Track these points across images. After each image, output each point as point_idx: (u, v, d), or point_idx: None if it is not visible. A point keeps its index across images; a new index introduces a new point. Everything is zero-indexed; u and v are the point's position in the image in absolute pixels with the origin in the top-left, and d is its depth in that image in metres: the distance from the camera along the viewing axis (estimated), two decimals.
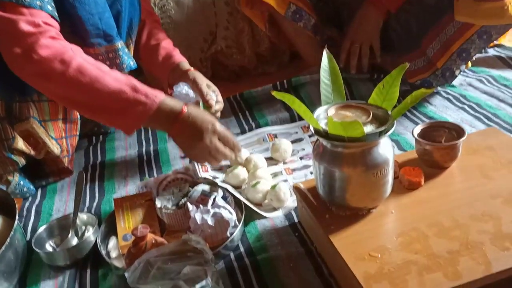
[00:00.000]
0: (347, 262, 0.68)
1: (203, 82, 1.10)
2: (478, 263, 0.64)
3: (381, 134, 0.71)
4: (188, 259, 0.70)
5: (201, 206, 0.83)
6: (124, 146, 1.24)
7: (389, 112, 0.74)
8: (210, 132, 0.88)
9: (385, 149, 0.73)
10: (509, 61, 1.37)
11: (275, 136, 1.16)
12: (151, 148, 1.21)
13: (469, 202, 0.76)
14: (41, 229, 0.90)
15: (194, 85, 1.10)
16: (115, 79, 0.86)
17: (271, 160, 1.08)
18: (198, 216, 0.81)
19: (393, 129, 0.72)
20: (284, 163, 1.07)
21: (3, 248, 0.77)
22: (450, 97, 1.22)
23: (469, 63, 1.22)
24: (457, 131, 0.84)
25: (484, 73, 1.33)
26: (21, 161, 1.02)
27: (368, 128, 0.72)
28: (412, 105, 0.71)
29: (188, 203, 0.84)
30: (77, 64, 0.85)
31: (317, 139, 0.77)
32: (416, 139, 0.84)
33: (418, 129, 0.86)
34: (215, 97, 1.09)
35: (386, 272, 0.65)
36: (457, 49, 1.14)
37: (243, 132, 1.21)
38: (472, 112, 1.14)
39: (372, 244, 0.70)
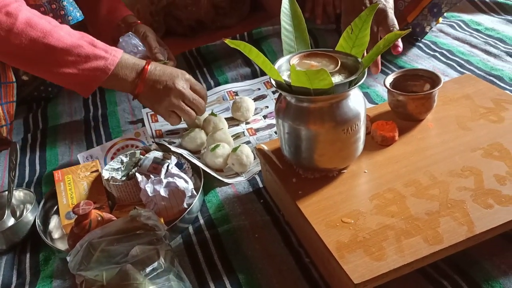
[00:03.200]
0: (317, 230, 0.60)
1: (152, 36, 1.00)
2: (460, 224, 0.58)
3: (351, 84, 0.63)
4: (137, 238, 0.62)
5: (152, 176, 0.73)
6: (69, 112, 1.11)
7: (360, 60, 0.65)
8: (181, 79, 0.84)
9: (356, 102, 0.65)
10: (480, 5, 1.30)
11: (236, 94, 1.06)
12: (99, 112, 1.08)
13: (447, 156, 0.69)
14: None
15: (143, 40, 1.01)
16: (69, 34, 0.80)
17: (232, 121, 0.98)
18: (149, 188, 0.71)
19: (363, 78, 0.64)
20: (247, 123, 0.97)
21: None
22: (421, 44, 1.15)
23: (440, 19, 1.14)
24: (432, 79, 0.77)
25: (455, 18, 1.25)
26: None
27: (336, 79, 0.63)
28: (385, 50, 0.62)
29: (137, 173, 0.74)
30: (25, 17, 0.77)
31: (280, 94, 0.67)
32: (388, 89, 0.76)
33: (390, 79, 0.78)
34: (165, 53, 0.99)
35: (361, 240, 0.58)
36: (428, 4, 1.05)
37: None
38: (444, 60, 1.07)
39: (344, 209, 0.63)
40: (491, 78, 0.98)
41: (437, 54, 1.10)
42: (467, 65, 1.04)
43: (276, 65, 0.66)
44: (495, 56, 1.06)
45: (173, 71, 0.85)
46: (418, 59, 1.09)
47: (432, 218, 0.60)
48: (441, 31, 1.19)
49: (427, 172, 0.67)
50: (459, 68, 1.03)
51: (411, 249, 0.56)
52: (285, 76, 0.65)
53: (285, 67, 0.67)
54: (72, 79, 0.81)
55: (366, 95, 0.99)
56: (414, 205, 0.62)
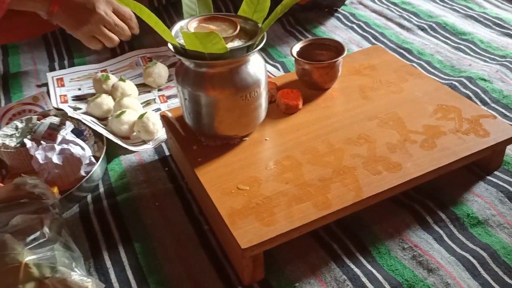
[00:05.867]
0: (212, 197, 0.60)
1: None
2: (349, 190, 0.60)
3: (249, 49, 0.61)
4: (21, 207, 0.58)
5: (43, 142, 0.69)
6: None
7: (259, 25, 0.64)
8: (102, 1, 0.79)
9: (256, 68, 0.64)
10: None
11: (150, 59, 1.02)
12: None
13: (347, 125, 0.71)
14: None
15: None
16: None
17: (144, 87, 0.94)
18: (39, 155, 0.68)
19: (262, 43, 0.63)
20: (159, 89, 0.94)
21: None
22: (340, 16, 1.16)
23: None
24: (337, 49, 0.77)
25: None
26: None
27: (235, 43, 0.62)
28: (281, 15, 0.61)
29: (26, 140, 0.70)
30: None
31: (179, 60, 0.65)
32: (295, 58, 0.76)
33: (297, 47, 0.78)
34: None
35: (254, 206, 0.59)
36: None
37: (114, 55, 1.04)
38: (360, 32, 1.09)
39: (241, 176, 0.63)
40: (401, 51, 1.01)
41: (354, 26, 1.11)
42: (381, 38, 1.07)
43: (174, 29, 0.64)
44: (407, 29, 1.09)
45: None
46: (336, 30, 1.10)
47: (324, 184, 0.61)
48: (361, 3, 1.21)
49: (326, 140, 0.68)
50: (373, 40, 1.06)
51: (300, 214, 0.57)
52: (182, 41, 0.62)
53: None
54: None
55: (282, 65, 0.99)
56: (309, 172, 0.63)
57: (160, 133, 0.82)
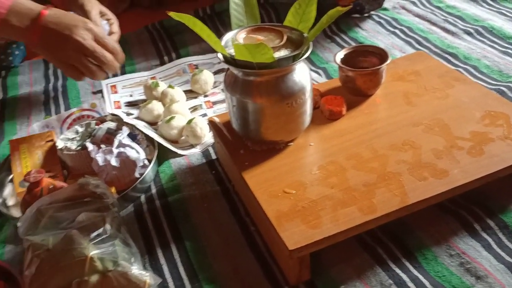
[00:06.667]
0: (259, 200, 0.63)
1: (93, 8, 0.89)
2: (394, 195, 0.61)
3: (295, 58, 0.64)
4: (85, 205, 0.63)
5: (103, 146, 0.74)
6: (28, 82, 1.10)
7: (305, 34, 0.66)
8: (82, 28, 0.74)
9: (301, 76, 0.67)
10: None
11: (196, 67, 1.07)
12: (59, 83, 1.08)
13: (391, 131, 0.72)
14: None
15: (82, 13, 0.88)
16: None
17: (191, 93, 0.99)
18: (100, 157, 0.73)
19: (308, 53, 0.65)
20: (205, 95, 0.98)
21: None
22: (382, 21, 1.16)
23: None
24: (380, 55, 0.78)
25: None
26: None
27: (282, 53, 0.64)
28: (327, 25, 0.64)
29: (88, 143, 0.75)
30: None
31: (228, 68, 0.68)
32: (338, 65, 0.78)
33: (341, 55, 0.79)
34: (107, 27, 0.90)
35: (300, 209, 0.61)
36: None
37: (162, 63, 1.10)
38: (403, 37, 1.09)
39: (287, 180, 0.65)
40: (446, 56, 1.01)
41: (397, 31, 1.12)
42: (425, 42, 1.06)
43: (224, 39, 0.67)
44: (453, 34, 1.08)
45: (73, 18, 0.75)
46: (378, 35, 1.11)
47: (368, 190, 0.62)
48: (403, 7, 1.21)
49: (369, 146, 0.69)
50: (416, 45, 1.06)
51: (346, 218, 0.59)
52: (231, 51, 0.66)
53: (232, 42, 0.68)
54: None
55: (324, 71, 1.01)
56: (354, 177, 0.65)
57: (207, 137, 0.86)
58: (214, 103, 0.96)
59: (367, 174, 0.65)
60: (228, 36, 0.68)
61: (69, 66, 0.76)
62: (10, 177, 0.80)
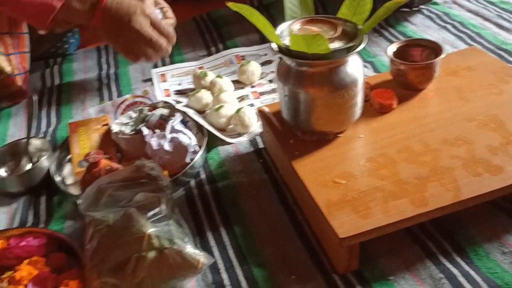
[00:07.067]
0: (309, 189, 0.64)
1: None
2: (447, 189, 0.61)
3: (349, 50, 0.64)
4: (141, 186, 0.66)
5: (157, 131, 0.77)
6: (83, 69, 1.15)
7: (359, 27, 0.66)
8: (139, 14, 0.77)
9: (354, 68, 0.67)
10: None
11: (243, 58, 1.08)
12: (111, 71, 1.12)
13: (443, 125, 0.71)
14: None
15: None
16: None
17: (238, 84, 1.00)
18: (154, 142, 0.75)
19: (363, 45, 0.65)
20: (252, 86, 1.00)
21: None
22: (433, 15, 1.14)
23: None
24: (434, 50, 0.77)
25: None
26: None
27: (335, 44, 0.65)
28: (384, 18, 0.64)
29: (143, 128, 0.78)
30: None
31: (281, 58, 0.69)
32: (390, 58, 0.78)
33: (393, 48, 0.79)
34: (160, 16, 0.91)
35: (350, 199, 0.61)
36: None
37: (209, 54, 1.12)
38: (455, 32, 1.07)
39: (337, 170, 0.66)
40: (500, 52, 0.98)
41: (448, 25, 1.09)
42: (478, 38, 1.04)
43: (278, 30, 0.68)
44: (507, 30, 1.05)
45: (132, 4, 0.77)
46: (428, 30, 1.09)
47: (420, 183, 0.62)
48: (455, 2, 1.18)
49: (421, 140, 0.69)
50: (468, 41, 1.03)
51: (397, 210, 0.59)
52: (286, 41, 0.67)
53: (287, 32, 0.69)
54: (24, 10, 0.77)
55: (372, 64, 1.00)
56: (405, 170, 0.65)
57: (255, 127, 0.87)
58: (261, 93, 0.97)
59: (419, 167, 0.64)
60: (282, 27, 0.69)
61: (126, 49, 0.80)
62: (69, 157, 0.84)
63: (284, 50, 0.66)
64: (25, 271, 0.60)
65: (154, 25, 0.79)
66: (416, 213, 0.58)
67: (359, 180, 0.64)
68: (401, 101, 0.76)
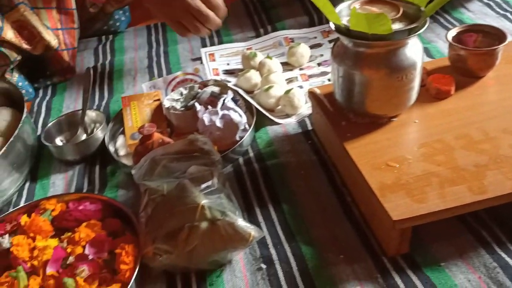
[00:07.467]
0: (362, 171, 0.63)
1: None
2: (507, 178, 0.59)
3: (410, 32, 0.63)
4: (194, 159, 0.67)
5: (209, 107, 0.78)
6: (134, 47, 1.17)
7: (422, 9, 0.64)
8: None
9: (414, 51, 0.65)
10: None
11: (292, 40, 1.08)
12: (161, 49, 1.14)
13: (503, 114, 0.69)
14: (50, 124, 0.88)
15: None
16: None
17: (286, 66, 1.00)
18: (206, 117, 0.77)
19: (425, 27, 0.63)
20: (301, 69, 0.99)
21: (11, 139, 0.75)
22: (491, 3, 1.09)
23: None
24: (497, 36, 0.75)
25: None
26: (13, 55, 0.96)
27: (396, 26, 0.64)
28: (448, 1, 0.62)
29: (196, 104, 0.79)
30: None
31: (337, 38, 0.69)
32: (449, 43, 0.75)
33: (453, 32, 0.77)
34: None
35: (404, 183, 0.61)
36: None
37: (258, 35, 1.12)
38: None
39: (390, 154, 0.65)
40: None
41: (508, 14, 1.05)
42: None
43: (337, 10, 0.67)
44: None
45: None
46: (485, 18, 1.05)
47: (479, 171, 0.61)
48: None
49: (480, 128, 0.67)
50: None
51: (454, 196, 0.58)
52: (344, 21, 0.66)
53: (345, 12, 0.68)
54: None
55: (426, 50, 0.97)
56: (462, 157, 0.63)
57: (303, 108, 0.87)
58: (310, 76, 0.97)
59: (478, 155, 0.63)
60: (341, 6, 0.68)
61: (176, 22, 0.80)
62: (121, 129, 0.87)
63: (342, 30, 0.65)
64: (83, 233, 0.63)
65: None
66: (474, 200, 0.57)
67: (413, 165, 0.63)
68: (458, 87, 0.74)
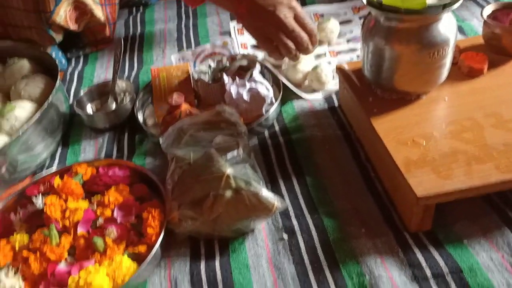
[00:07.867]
0: (387, 146, 0.63)
1: None
2: None
3: (444, 7, 0.61)
4: (220, 130, 0.68)
5: (237, 79, 0.79)
6: (164, 19, 1.18)
7: None
8: (285, 5, 0.75)
9: (447, 27, 0.64)
10: None
11: (322, 16, 1.06)
12: (191, 22, 1.15)
13: None
14: (82, 92, 0.90)
15: None
16: None
17: None
18: (233, 90, 0.77)
19: (459, 3, 0.62)
20: (329, 45, 0.98)
21: (45, 105, 0.78)
22: None
23: None
24: None
25: None
26: (59, 38, 1.01)
27: (430, 0, 0.62)
28: None
29: (225, 75, 0.80)
30: None
31: (369, 13, 0.68)
32: (484, 20, 0.73)
33: (488, 9, 0.74)
34: None
35: (430, 160, 0.60)
36: None
37: None
38: None
39: (417, 130, 0.65)
40: None
41: None
42: None
43: None
44: None
45: None
46: None
47: (508, 149, 0.60)
48: None
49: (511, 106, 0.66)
50: None
51: (481, 173, 0.57)
52: None
53: None
54: None
55: (460, 29, 0.95)
56: (492, 135, 0.62)
57: (330, 84, 0.87)
58: (338, 52, 0.96)
59: (508, 133, 0.62)
60: None
61: (267, 39, 0.78)
62: (150, 100, 0.88)
63: (374, 3, 0.64)
64: (112, 196, 0.65)
65: (297, 19, 0.77)
66: (502, 179, 0.56)
67: (440, 142, 0.63)
68: (491, 66, 0.72)
